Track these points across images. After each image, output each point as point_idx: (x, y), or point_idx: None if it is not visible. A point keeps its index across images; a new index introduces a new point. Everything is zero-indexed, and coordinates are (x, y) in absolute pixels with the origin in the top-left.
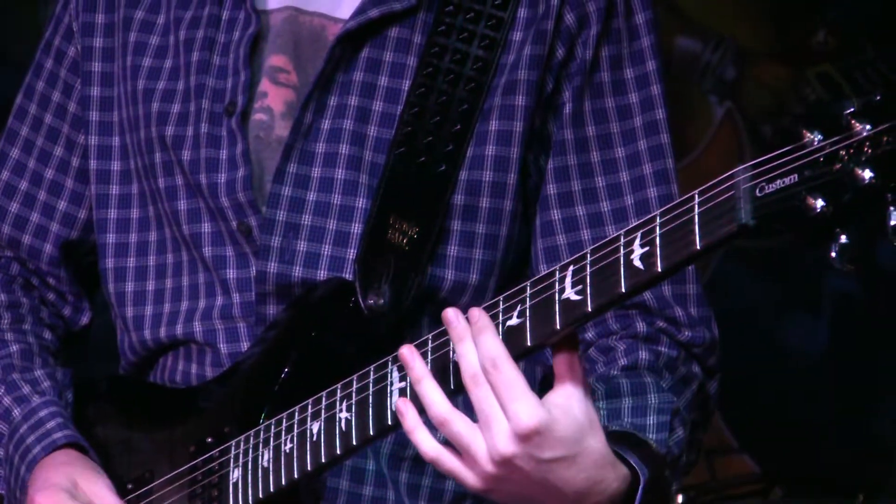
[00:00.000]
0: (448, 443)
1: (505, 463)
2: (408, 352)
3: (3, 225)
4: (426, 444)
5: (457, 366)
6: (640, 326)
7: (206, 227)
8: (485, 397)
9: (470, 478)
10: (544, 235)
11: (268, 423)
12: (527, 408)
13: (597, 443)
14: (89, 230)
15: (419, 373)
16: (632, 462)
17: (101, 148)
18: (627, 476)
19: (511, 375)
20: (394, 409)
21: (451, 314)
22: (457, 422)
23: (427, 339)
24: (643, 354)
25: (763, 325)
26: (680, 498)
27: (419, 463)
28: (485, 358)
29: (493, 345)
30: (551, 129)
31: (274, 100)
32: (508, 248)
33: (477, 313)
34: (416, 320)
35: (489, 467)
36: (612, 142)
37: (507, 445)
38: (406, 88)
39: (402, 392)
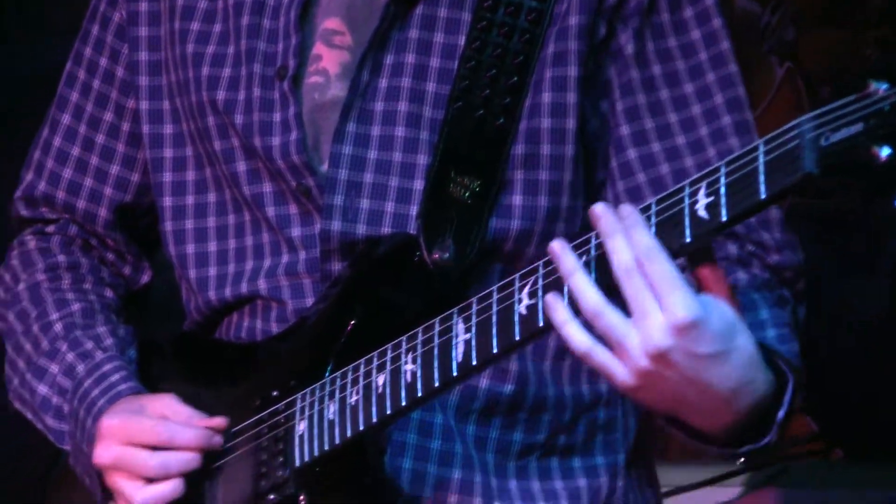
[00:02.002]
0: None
1: (659, 357)
2: (559, 246)
3: (57, 190)
4: (577, 337)
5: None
6: (732, 249)
7: (268, 188)
8: (639, 290)
9: (621, 373)
10: (623, 176)
11: (333, 376)
12: (684, 300)
13: (747, 342)
14: (143, 193)
15: (570, 266)
16: (780, 364)
17: (152, 112)
18: (773, 381)
19: (666, 267)
20: (459, 360)
21: (601, 208)
22: (609, 314)
23: (492, 291)
24: (741, 275)
25: (824, 287)
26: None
27: (486, 416)
28: (640, 250)
29: (647, 238)
30: (611, 73)
31: (329, 62)
32: (572, 193)
33: (628, 209)
34: (482, 272)
35: (643, 362)
36: (679, 78)
37: (663, 338)
38: (461, 43)
39: (467, 344)
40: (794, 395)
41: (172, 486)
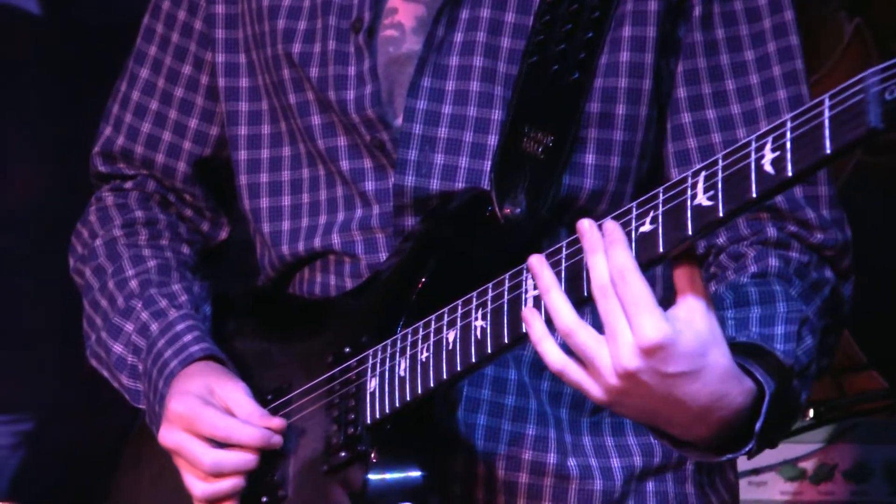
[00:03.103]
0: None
1: (629, 377)
2: (536, 261)
3: (136, 145)
4: (552, 354)
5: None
6: (771, 232)
7: (342, 141)
8: (611, 310)
9: (594, 390)
10: (675, 139)
11: (404, 332)
12: (651, 322)
13: (721, 357)
14: (222, 147)
15: (547, 283)
16: (757, 375)
17: (228, 65)
18: (753, 390)
19: (638, 288)
20: None
21: (586, 225)
22: (582, 333)
23: (561, 247)
24: (773, 261)
25: (894, 241)
26: (811, 413)
27: None
28: (614, 270)
29: (623, 257)
30: (681, 33)
31: (404, 15)
32: (644, 154)
33: (611, 226)
34: (554, 229)
35: (613, 380)
36: (741, 44)
37: (630, 359)
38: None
39: (537, 300)
40: (772, 405)
41: (231, 484)
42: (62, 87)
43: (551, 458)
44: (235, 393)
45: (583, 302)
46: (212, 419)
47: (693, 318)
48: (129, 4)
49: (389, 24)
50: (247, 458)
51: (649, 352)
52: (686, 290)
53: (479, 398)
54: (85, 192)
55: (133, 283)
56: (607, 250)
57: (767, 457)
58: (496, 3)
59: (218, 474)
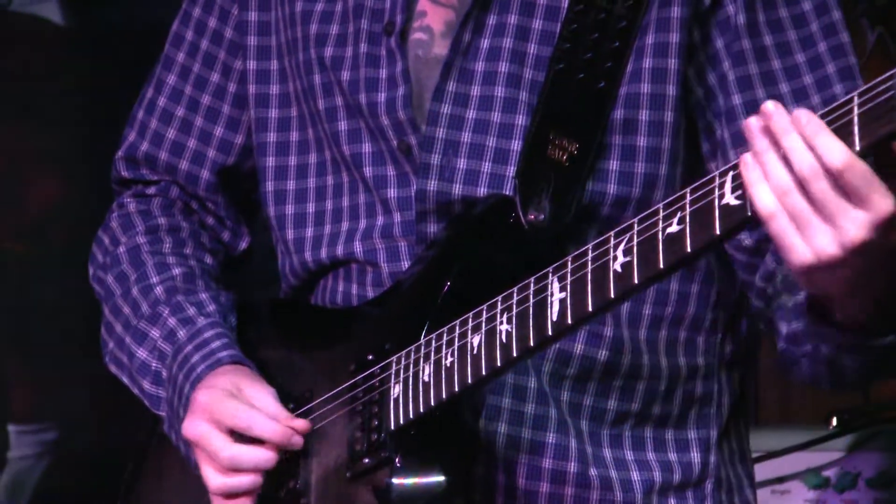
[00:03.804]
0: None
1: (857, 251)
2: (771, 105)
3: (160, 151)
4: (763, 198)
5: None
6: None
7: (367, 147)
8: (827, 192)
9: (802, 251)
10: (736, 146)
11: (428, 337)
12: (888, 197)
13: None
14: (246, 156)
15: (784, 125)
16: None
17: (259, 72)
18: None
19: (866, 167)
20: (554, 319)
21: (771, 107)
22: (827, 184)
23: (587, 249)
24: None
25: None
26: (834, 421)
27: (581, 381)
28: (831, 156)
29: (837, 143)
30: (720, 43)
31: (433, 19)
32: (672, 161)
33: (805, 114)
34: (579, 235)
35: (834, 250)
36: (791, 48)
37: (864, 232)
38: (565, 6)
39: (562, 303)
40: None
41: (248, 481)
42: (85, 95)
43: (572, 466)
44: (262, 393)
45: (606, 307)
46: (235, 409)
47: None
48: (152, 12)
49: (419, 28)
50: (266, 456)
51: (885, 225)
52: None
53: (499, 406)
54: (108, 200)
55: (158, 290)
56: (815, 138)
57: (791, 465)
58: (524, 10)
59: (236, 469)
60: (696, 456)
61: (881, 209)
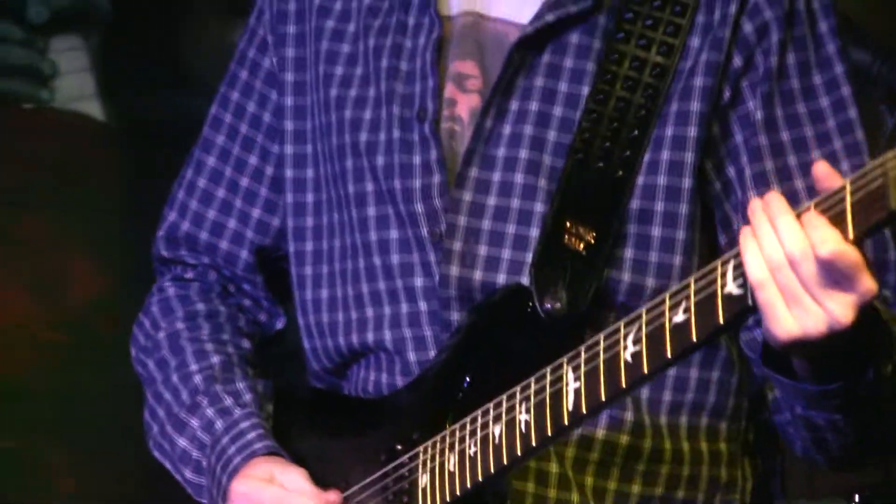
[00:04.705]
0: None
1: (839, 327)
2: (772, 194)
3: (201, 231)
4: (755, 264)
5: (622, 362)
6: None
7: (394, 234)
8: (812, 273)
9: (788, 324)
10: None
11: (452, 428)
12: (871, 280)
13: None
14: (281, 237)
15: (780, 207)
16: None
17: (296, 156)
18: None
19: (856, 254)
20: (570, 408)
21: (759, 203)
22: (818, 266)
23: (599, 339)
24: None
25: None
26: (857, 497)
27: (604, 466)
28: (815, 244)
29: (830, 230)
30: (740, 138)
31: (462, 108)
32: (687, 251)
33: (775, 198)
34: (595, 323)
35: (820, 327)
36: (807, 145)
37: (851, 314)
38: (585, 94)
39: (577, 392)
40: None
41: None
42: (125, 188)
43: None
44: (294, 475)
45: (618, 396)
46: (270, 494)
47: None
48: (185, 108)
49: (449, 117)
50: None
51: (869, 301)
52: None
53: (524, 491)
54: (148, 290)
55: (197, 378)
56: (810, 232)
57: None
58: (545, 97)
59: None
60: None
61: (868, 292)
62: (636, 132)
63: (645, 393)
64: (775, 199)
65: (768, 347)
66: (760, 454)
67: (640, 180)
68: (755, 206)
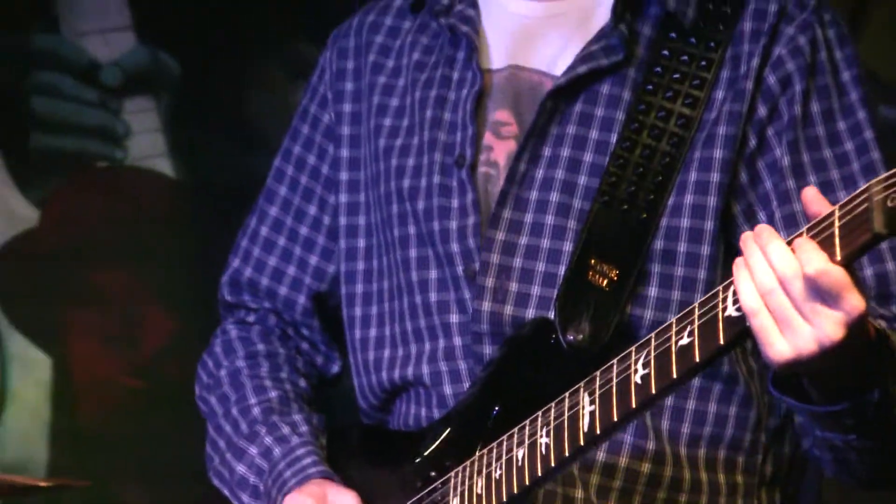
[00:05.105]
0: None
1: (831, 348)
2: (747, 235)
3: (262, 277)
4: (748, 294)
5: (633, 385)
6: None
7: (433, 274)
8: (802, 294)
9: (782, 348)
10: None
11: (481, 453)
12: (861, 298)
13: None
14: (336, 283)
15: (766, 237)
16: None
17: (350, 205)
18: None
19: (842, 273)
20: (585, 430)
21: (750, 235)
22: (807, 285)
23: (612, 364)
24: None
25: None
26: None
27: (627, 493)
28: (803, 264)
29: (818, 253)
30: (769, 184)
31: (498, 153)
32: (707, 290)
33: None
34: (617, 354)
35: (811, 346)
36: (833, 187)
37: (840, 330)
38: (614, 141)
39: (592, 415)
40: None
41: None
42: (193, 240)
43: None
44: (345, 496)
45: (630, 416)
46: None
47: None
48: (249, 165)
49: (485, 161)
50: None
51: (856, 322)
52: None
53: None
54: (208, 333)
55: (256, 411)
56: (801, 255)
57: None
58: (577, 144)
59: None
60: None
61: (854, 309)
62: (661, 177)
63: (665, 424)
64: (765, 228)
65: (777, 373)
66: (778, 484)
67: (664, 222)
68: (746, 237)
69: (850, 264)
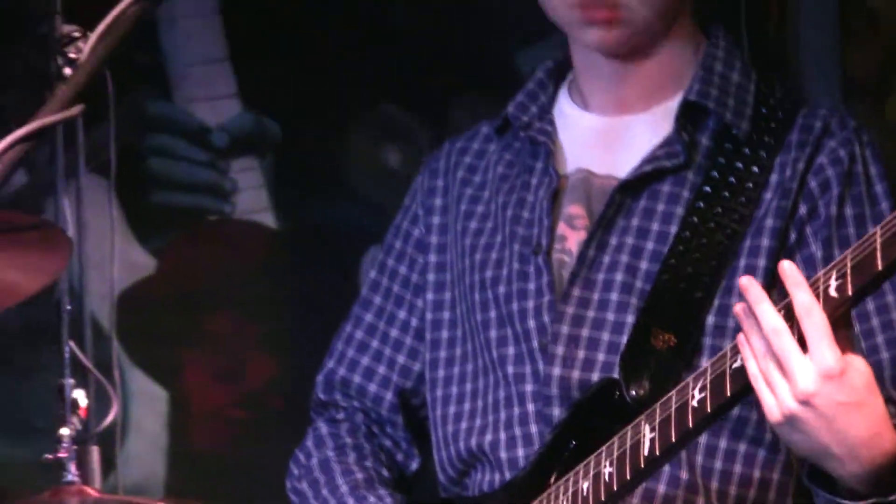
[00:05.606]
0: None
1: (805, 402)
2: (746, 280)
3: (354, 375)
4: (750, 363)
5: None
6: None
7: (511, 350)
8: (788, 343)
9: (773, 409)
10: None
11: (548, 491)
12: (833, 351)
13: (879, 401)
14: (420, 380)
15: (756, 296)
16: None
17: (436, 301)
18: None
19: (824, 320)
20: (645, 454)
21: (751, 280)
22: (787, 338)
23: (671, 395)
24: None
25: None
26: None
27: None
28: (800, 306)
29: (809, 295)
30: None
31: (571, 242)
32: None
33: (788, 267)
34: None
35: (791, 403)
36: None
37: (810, 384)
38: (673, 233)
39: (652, 441)
40: None
41: None
42: (295, 288)
43: None
44: None
45: (687, 437)
46: None
47: (856, 362)
48: (343, 215)
49: (560, 250)
50: None
51: (828, 377)
52: (846, 349)
53: None
54: (313, 375)
55: (344, 488)
56: (791, 289)
57: None
58: (640, 234)
59: None
60: None
61: (825, 361)
62: (714, 262)
63: (699, 460)
64: (752, 288)
65: (811, 464)
66: None
67: (717, 301)
68: (739, 310)
69: (891, 272)
